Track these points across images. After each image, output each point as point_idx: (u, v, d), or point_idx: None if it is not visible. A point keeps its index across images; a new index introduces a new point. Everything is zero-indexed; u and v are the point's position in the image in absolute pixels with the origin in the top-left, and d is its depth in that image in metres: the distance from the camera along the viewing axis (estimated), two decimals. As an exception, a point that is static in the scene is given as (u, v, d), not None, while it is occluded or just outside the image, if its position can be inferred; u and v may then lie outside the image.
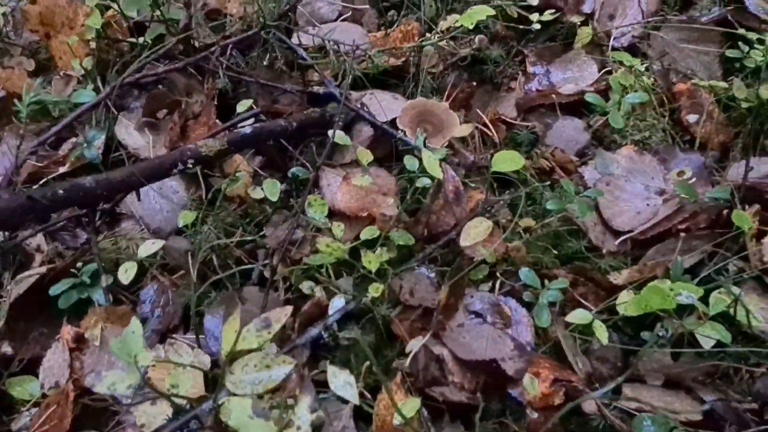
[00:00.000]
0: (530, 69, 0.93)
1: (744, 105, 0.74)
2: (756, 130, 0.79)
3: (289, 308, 0.44)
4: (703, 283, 0.68)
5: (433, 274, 0.77)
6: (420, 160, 0.71)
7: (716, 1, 0.95)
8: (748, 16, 0.90)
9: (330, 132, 0.74)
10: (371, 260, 0.66)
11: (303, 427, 0.42)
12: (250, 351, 0.46)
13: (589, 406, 0.64)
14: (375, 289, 0.66)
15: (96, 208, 0.66)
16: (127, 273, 0.68)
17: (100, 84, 0.94)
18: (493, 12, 0.64)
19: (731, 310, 0.61)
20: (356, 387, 0.52)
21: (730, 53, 0.86)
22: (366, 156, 0.71)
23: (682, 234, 0.71)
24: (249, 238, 0.76)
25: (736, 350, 0.61)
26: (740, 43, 0.88)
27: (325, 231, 0.74)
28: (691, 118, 0.82)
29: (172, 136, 0.87)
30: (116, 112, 0.88)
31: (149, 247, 0.59)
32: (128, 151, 0.88)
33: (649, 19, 0.91)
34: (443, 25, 0.86)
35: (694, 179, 0.77)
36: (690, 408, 0.62)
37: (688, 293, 0.58)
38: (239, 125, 0.82)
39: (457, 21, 0.69)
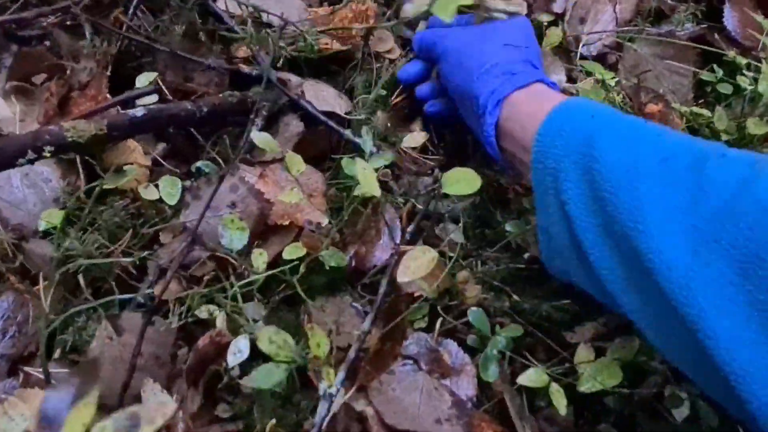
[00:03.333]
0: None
1: (723, 137, 0.66)
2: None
3: (171, 406, 0.29)
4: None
5: (359, 305, 0.65)
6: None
7: (691, 17, 0.87)
8: (724, 37, 0.83)
9: (257, 123, 0.60)
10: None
11: None
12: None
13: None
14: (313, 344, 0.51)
15: None
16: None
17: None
18: (471, 1, 0.51)
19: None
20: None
21: (706, 76, 0.78)
22: (297, 164, 0.56)
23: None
24: (129, 258, 0.60)
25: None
26: (715, 66, 0.82)
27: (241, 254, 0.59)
28: (662, 144, 0.74)
29: (48, 109, 0.68)
30: (-27, 70, 0.69)
31: None
32: (-15, 124, 0.69)
33: (623, 28, 0.81)
34: (409, 10, 0.73)
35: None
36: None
37: (661, 358, 0.49)
38: (133, 105, 0.65)
39: (427, 7, 0.56)
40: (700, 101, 0.82)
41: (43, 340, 0.49)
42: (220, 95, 0.68)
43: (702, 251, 0.38)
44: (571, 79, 0.81)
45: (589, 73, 0.80)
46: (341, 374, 0.48)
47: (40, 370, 0.61)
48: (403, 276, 0.53)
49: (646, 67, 0.79)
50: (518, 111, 0.56)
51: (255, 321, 0.61)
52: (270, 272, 0.55)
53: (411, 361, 0.60)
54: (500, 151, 0.59)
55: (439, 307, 0.63)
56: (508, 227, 0.65)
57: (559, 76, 0.78)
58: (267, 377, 0.43)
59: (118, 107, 0.68)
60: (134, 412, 0.28)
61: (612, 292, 0.45)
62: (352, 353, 0.50)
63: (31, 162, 0.48)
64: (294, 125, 0.71)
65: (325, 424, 0.44)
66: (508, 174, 0.68)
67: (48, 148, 0.49)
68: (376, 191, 0.53)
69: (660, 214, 0.40)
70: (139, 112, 0.57)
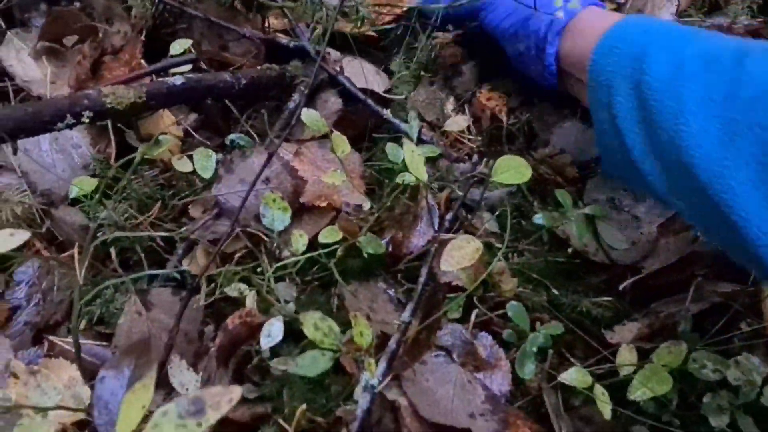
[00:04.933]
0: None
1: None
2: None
3: (238, 391, 0.28)
4: (710, 345, 0.58)
5: (393, 291, 0.63)
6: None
7: (747, 10, 0.83)
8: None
9: (294, 98, 0.57)
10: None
11: None
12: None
13: (570, 483, 0.53)
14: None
15: None
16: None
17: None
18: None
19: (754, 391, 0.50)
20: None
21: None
22: (342, 145, 0.53)
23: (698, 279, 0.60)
24: (167, 226, 0.58)
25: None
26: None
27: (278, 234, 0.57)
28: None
29: (80, 72, 0.66)
30: (4, 26, 0.66)
31: (6, 240, 0.39)
32: (15, 84, 0.67)
33: (683, 19, 0.78)
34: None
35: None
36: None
37: (714, 366, 0.47)
38: (169, 72, 0.63)
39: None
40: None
41: (77, 312, 0.48)
42: (259, 68, 0.65)
43: (737, 139, 0.41)
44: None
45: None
46: (382, 365, 0.46)
47: (66, 339, 0.60)
48: (446, 265, 0.51)
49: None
50: (578, 36, 0.58)
51: (286, 302, 0.59)
52: (308, 255, 0.53)
53: (444, 353, 0.59)
54: (559, 80, 0.63)
55: (474, 298, 0.61)
56: (537, 219, 0.63)
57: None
58: (313, 365, 0.42)
59: (153, 75, 0.65)
60: (198, 397, 0.26)
61: (662, 197, 0.49)
62: (393, 344, 0.49)
63: (70, 127, 0.46)
64: (333, 102, 0.68)
65: (364, 415, 0.42)
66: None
67: (86, 113, 0.46)
68: (424, 177, 0.50)
69: (700, 112, 0.43)
70: (177, 81, 0.55)
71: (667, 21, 0.58)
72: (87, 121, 0.47)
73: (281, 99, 0.65)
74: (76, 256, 0.50)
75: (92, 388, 0.48)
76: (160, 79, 0.55)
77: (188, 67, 0.67)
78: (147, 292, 0.56)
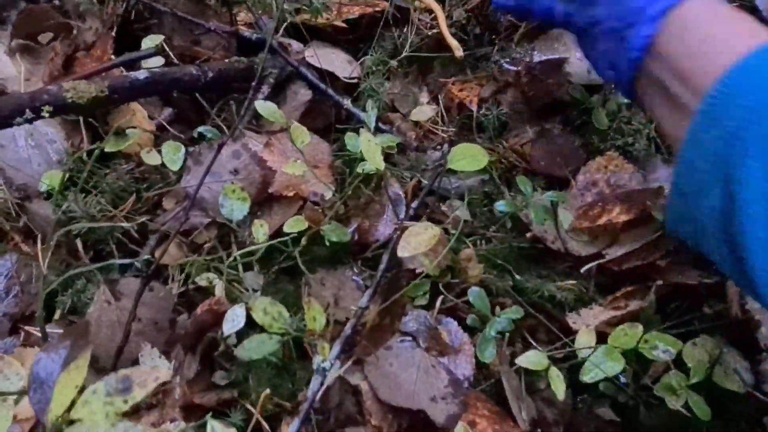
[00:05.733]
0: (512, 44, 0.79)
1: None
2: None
3: (164, 372, 0.29)
4: (672, 327, 0.58)
5: (360, 279, 0.64)
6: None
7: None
8: (756, 18, 0.79)
9: (263, 90, 0.58)
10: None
11: None
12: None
13: (529, 464, 0.54)
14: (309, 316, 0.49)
15: None
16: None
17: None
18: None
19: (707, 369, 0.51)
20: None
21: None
22: (301, 135, 0.54)
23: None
24: (131, 222, 0.59)
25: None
26: None
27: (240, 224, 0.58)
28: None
29: (53, 69, 0.67)
30: (-21, 27, 0.68)
31: None
32: (-9, 81, 0.69)
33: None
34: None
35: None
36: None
37: (665, 346, 0.48)
38: (138, 68, 0.64)
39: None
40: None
41: (41, 301, 0.49)
42: (227, 60, 0.66)
43: None
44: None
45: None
46: (336, 349, 0.47)
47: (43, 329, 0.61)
48: (403, 251, 0.52)
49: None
50: (692, 30, 0.39)
51: (254, 291, 0.60)
52: (270, 242, 0.55)
53: (410, 338, 0.60)
54: (636, 78, 0.43)
55: (440, 285, 0.62)
56: (500, 206, 0.63)
57: (581, 54, 0.75)
58: (259, 347, 0.43)
59: (122, 69, 0.67)
60: (126, 375, 0.27)
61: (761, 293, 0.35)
62: (348, 328, 0.50)
63: (29, 121, 0.48)
64: (302, 94, 0.69)
65: (318, 397, 0.44)
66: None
67: (46, 108, 0.48)
68: (380, 165, 0.51)
69: None
70: (141, 75, 0.56)
71: None
72: (47, 115, 0.48)
73: (249, 91, 0.66)
74: (39, 247, 0.52)
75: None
76: (123, 74, 0.56)
77: (160, 61, 0.68)
78: (116, 283, 0.58)
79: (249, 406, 0.55)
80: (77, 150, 0.67)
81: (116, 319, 0.56)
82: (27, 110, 0.47)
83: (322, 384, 0.45)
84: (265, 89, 0.67)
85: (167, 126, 0.71)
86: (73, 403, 0.30)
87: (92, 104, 0.52)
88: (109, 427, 0.29)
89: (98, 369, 0.58)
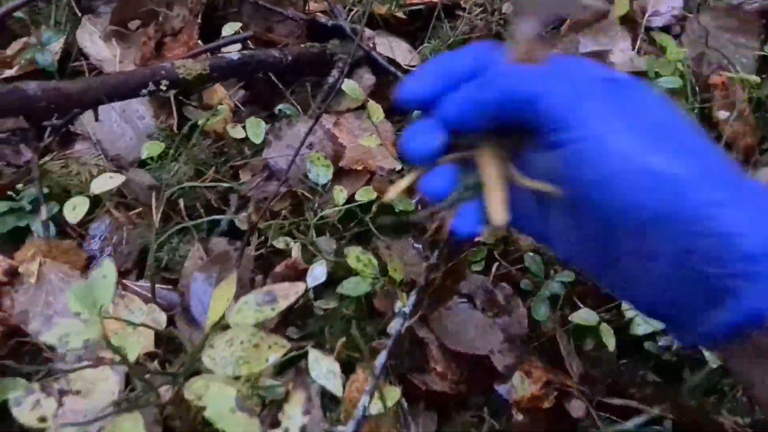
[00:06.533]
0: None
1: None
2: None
3: (302, 286, 0.35)
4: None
5: (420, 245, 0.70)
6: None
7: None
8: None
9: (333, 74, 0.64)
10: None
11: (292, 430, 0.35)
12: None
13: (577, 411, 0.59)
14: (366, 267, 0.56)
15: (42, 122, 0.54)
16: (75, 210, 0.57)
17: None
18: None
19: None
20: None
21: (770, 49, 0.79)
22: (377, 112, 0.61)
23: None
24: (226, 184, 0.66)
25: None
26: (781, 40, 0.82)
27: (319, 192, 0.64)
28: (722, 114, 0.76)
29: (145, 52, 0.75)
30: (80, 14, 0.75)
31: (106, 181, 0.48)
32: (90, 63, 0.76)
33: (693, -1, 0.83)
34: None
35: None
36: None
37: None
38: (224, 50, 0.70)
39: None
40: (763, 75, 0.82)
41: (152, 254, 0.56)
42: (302, 46, 0.73)
43: None
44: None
45: (653, 43, 0.82)
46: (413, 296, 0.53)
47: (137, 284, 0.69)
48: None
49: (710, 39, 0.80)
50: None
51: (327, 253, 0.67)
52: (347, 206, 0.61)
53: (467, 300, 0.66)
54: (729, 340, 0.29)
55: (495, 253, 0.68)
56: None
57: (626, 44, 0.80)
58: (356, 287, 0.49)
59: (208, 54, 0.74)
60: (271, 290, 0.34)
61: None
62: (421, 280, 0.56)
63: (151, 93, 0.54)
64: (366, 78, 0.76)
65: (397, 335, 0.50)
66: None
67: (164, 82, 0.54)
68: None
69: None
70: (235, 56, 0.63)
71: None
72: (164, 89, 0.55)
73: (321, 74, 0.72)
74: (153, 204, 0.59)
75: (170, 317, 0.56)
76: (221, 54, 0.63)
77: (237, 46, 0.75)
78: (207, 241, 0.64)
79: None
80: (166, 125, 0.75)
81: (208, 274, 0.63)
82: (150, 83, 0.54)
83: (402, 325, 0.51)
84: (336, 73, 0.73)
85: (241, 107, 0.79)
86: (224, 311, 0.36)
87: (197, 81, 0.59)
88: (255, 332, 0.35)
89: (188, 319, 0.65)
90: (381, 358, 0.48)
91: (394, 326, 0.51)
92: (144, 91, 0.54)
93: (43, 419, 0.33)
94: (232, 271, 0.38)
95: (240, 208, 0.72)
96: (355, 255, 0.49)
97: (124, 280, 0.69)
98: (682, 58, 0.73)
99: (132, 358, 0.41)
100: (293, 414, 0.35)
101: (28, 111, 0.49)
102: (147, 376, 0.39)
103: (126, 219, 0.73)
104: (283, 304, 0.35)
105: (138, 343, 0.45)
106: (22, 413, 0.33)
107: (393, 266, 0.50)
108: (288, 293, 0.35)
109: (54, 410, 0.34)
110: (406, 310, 0.51)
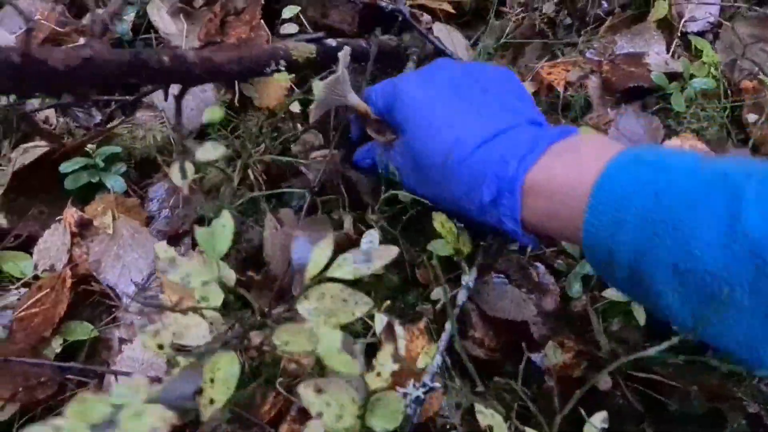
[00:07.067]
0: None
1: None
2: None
3: (395, 249, 0.40)
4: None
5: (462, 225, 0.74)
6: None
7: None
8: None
9: (409, 66, 0.69)
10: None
11: (384, 376, 0.39)
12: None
13: (605, 384, 0.63)
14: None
15: (188, 86, 0.57)
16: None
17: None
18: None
19: None
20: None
21: (802, 60, 0.83)
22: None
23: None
24: (300, 161, 0.71)
25: None
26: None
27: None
28: (751, 117, 0.80)
29: (210, 28, 0.79)
30: (149, -12, 0.80)
31: (209, 150, 0.51)
32: (158, 36, 0.81)
33: (725, 3, 0.86)
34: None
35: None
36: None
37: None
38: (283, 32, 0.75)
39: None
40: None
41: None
42: (380, 38, 0.76)
43: None
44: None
45: (687, 49, 0.86)
46: (474, 271, 0.58)
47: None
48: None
49: (743, 46, 0.84)
50: (548, 195, 0.46)
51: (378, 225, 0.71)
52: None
53: (503, 275, 0.70)
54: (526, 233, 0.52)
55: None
56: None
57: (660, 47, 0.85)
58: (443, 248, 0.55)
59: (263, 33, 0.78)
60: (368, 251, 0.38)
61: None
62: (479, 257, 0.61)
63: (272, 73, 0.58)
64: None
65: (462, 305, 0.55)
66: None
67: (282, 62, 0.59)
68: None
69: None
70: (332, 42, 0.67)
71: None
72: (282, 69, 0.59)
73: (396, 67, 0.77)
74: (238, 167, 0.63)
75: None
76: (324, 41, 0.67)
77: (296, 28, 0.79)
78: (278, 212, 0.69)
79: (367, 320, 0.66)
80: (225, 99, 0.79)
81: (281, 241, 0.67)
82: (272, 61, 0.58)
83: (468, 297, 0.56)
84: (411, 65, 0.77)
85: (295, 88, 0.83)
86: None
87: (305, 63, 0.63)
88: (344, 288, 0.40)
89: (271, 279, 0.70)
90: (448, 327, 0.53)
91: (460, 296, 0.56)
92: (268, 69, 0.58)
93: (160, 346, 0.38)
94: (330, 230, 0.42)
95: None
96: (440, 221, 0.54)
97: (182, 241, 0.74)
98: (717, 62, 0.77)
99: (214, 305, 0.45)
100: (385, 362, 0.39)
101: (184, 78, 0.52)
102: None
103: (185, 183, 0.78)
104: (378, 264, 0.39)
105: (218, 294, 0.50)
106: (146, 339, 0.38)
107: (462, 240, 0.56)
108: (383, 254, 0.40)
109: (170, 340, 0.38)
110: (470, 283, 0.56)
